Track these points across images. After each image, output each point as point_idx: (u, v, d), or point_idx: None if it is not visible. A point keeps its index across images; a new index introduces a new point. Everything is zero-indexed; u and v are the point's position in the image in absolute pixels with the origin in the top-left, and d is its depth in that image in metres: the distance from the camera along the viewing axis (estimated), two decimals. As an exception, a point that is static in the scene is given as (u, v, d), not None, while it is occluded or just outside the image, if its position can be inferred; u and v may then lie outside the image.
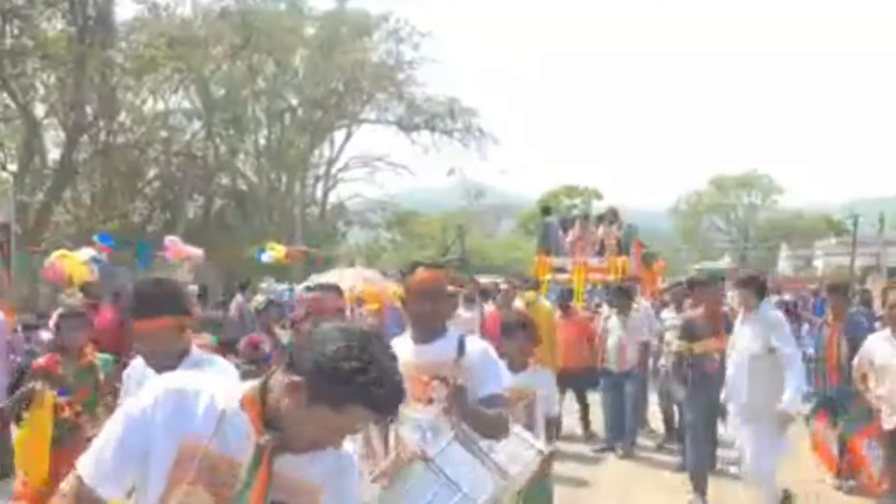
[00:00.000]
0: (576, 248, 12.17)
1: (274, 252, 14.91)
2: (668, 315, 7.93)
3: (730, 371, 5.19)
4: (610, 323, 7.54)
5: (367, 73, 32.04)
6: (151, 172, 28.04)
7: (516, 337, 4.15)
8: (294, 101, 32.16)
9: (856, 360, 5.23)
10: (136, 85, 24.46)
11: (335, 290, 3.97)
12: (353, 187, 36.54)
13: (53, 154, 24.29)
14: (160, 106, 27.40)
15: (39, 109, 23.05)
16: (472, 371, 2.76)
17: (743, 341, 5.08)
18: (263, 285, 16.04)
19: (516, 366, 3.77)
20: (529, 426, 3.59)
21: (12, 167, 23.25)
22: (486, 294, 9.21)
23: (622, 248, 11.71)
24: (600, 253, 11.85)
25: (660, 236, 48.45)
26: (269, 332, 5.89)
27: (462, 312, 7.35)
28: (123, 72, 22.76)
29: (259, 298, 8.74)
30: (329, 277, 8.82)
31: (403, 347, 2.70)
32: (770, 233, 55.80)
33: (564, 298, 8.53)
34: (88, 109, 22.59)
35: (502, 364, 3.02)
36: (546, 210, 14.30)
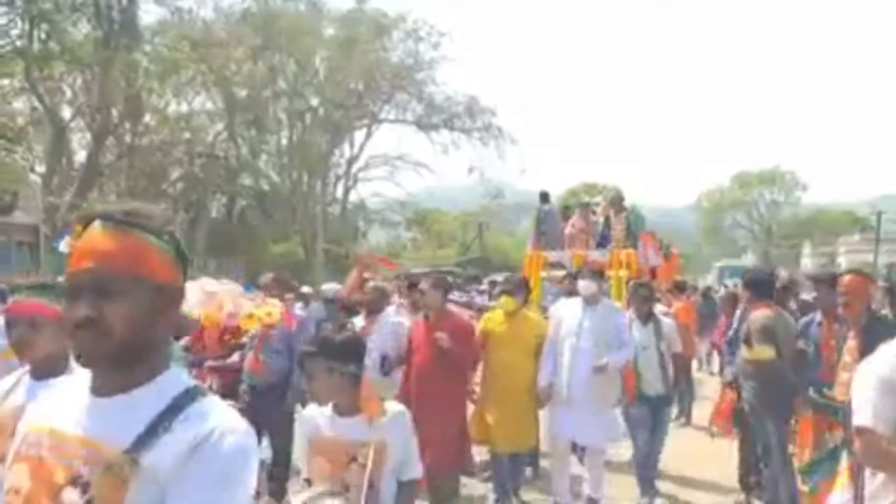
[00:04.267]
0: (576, 240, 10.42)
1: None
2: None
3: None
4: (635, 334, 5.77)
5: (386, 73, 32.21)
6: (175, 173, 28.48)
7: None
8: (315, 102, 32.42)
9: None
10: (160, 87, 24.85)
11: None
12: (373, 186, 36.81)
13: (80, 156, 24.80)
14: (183, 108, 27.84)
15: (66, 112, 23.54)
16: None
17: None
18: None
19: (343, 410, 2.71)
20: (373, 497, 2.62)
21: (40, 169, 23.72)
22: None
23: (629, 239, 10.02)
24: (602, 245, 10.20)
25: (681, 233, 48.22)
26: None
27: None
28: (148, 75, 23.16)
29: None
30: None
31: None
32: (793, 230, 55.29)
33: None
34: (114, 112, 23.03)
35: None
36: (545, 196, 11.85)
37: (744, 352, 5.08)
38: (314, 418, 2.81)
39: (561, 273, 8.68)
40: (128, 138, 24.89)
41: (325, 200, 33.34)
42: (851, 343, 4.41)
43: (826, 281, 5.31)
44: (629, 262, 9.57)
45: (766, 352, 4.87)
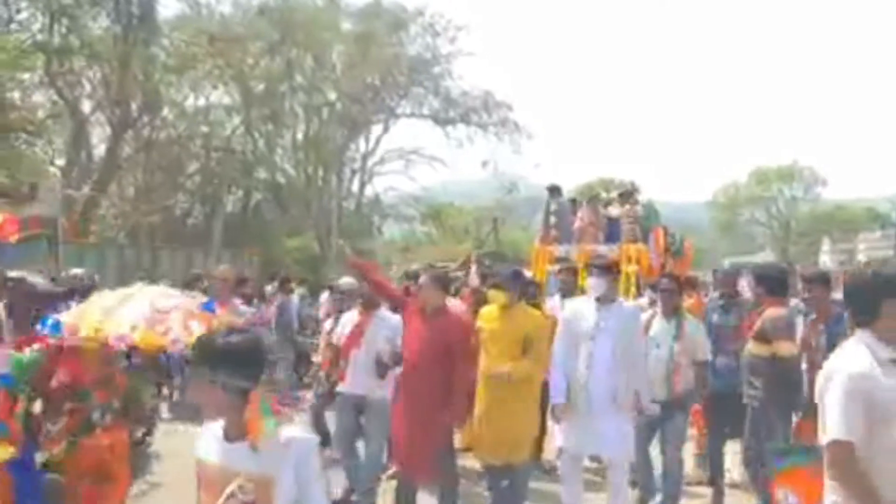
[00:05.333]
0: (584, 234, 10.16)
1: None
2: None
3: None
4: (652, 330, 5.57)
5: (403, 68, 32.26)
6: (192, 166, 28.68)
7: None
8: (331, 96, 32.51)
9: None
10: (178, 81, 25.03)
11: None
12: (388, 180, 36.87)
13: (99, 149, 25.03)
14: (201, 102, 28.01)
15: (86, 106, 23.78)
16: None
17: None
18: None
19: (229, 432, 2.29)
20: None
21: (60, 162, 23.98)
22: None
23: (640, 234, 9.72)
24: (610, 239, 9.86)
25: (697, 229, 47.92)
26: None
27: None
28: (166, 69, 23.32)
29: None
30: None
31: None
32: (812, 226, 54.79)
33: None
34: (133, 105, 23.22)
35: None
36: (556, 190, 11.27)
37: (752, 347, 5.09)
38: (207, 439, 2.36)
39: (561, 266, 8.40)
40: (146, 132, 25.11)
41: (340, 195, 33.46)
42: None
43: (819, 280, 5.40)
44: (639, 258, 9.32)
45: (787, 347, 4.90)
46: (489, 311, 5.16)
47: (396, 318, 5.36)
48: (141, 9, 22.02)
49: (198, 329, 4.30)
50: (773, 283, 5.20)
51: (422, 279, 5.15)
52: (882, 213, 52.89)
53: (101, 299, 4.58)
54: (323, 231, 30.24)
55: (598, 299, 4.91)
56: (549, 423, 5.45)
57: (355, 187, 35.57)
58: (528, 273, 7.59)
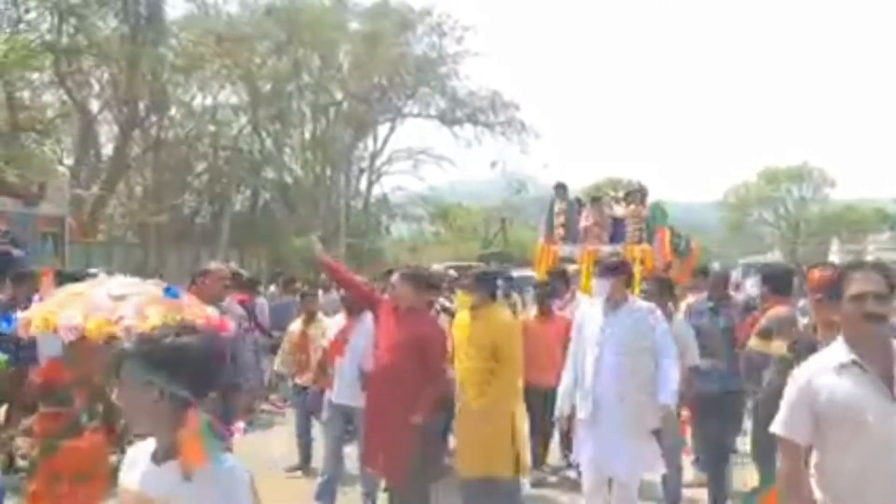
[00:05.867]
0: (588, 234, 10.05)
1: None
2: None
3: None
4: None
5: (410, 68, 32.26)
6: (200, 166, 28.79)
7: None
8: (338, 96, 32.57)
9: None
10: (186, 81, 25.11)
11: None
12: (396, 180, 36.89)
13: (107, 149, 25.14)
14: (208, 101, 28.10)
15: (94, 105, 23.87)
16: None
17: None
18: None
19: (157, 450, 1.93)
20: None
21: (68, 161, 24.08)
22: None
23: (646, 235, 9.61)
24: (615, 240, 9.73)
25: (706, 229, 47.79)
26: None
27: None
28: (174, 68, 23.40)
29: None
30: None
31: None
32: (821, 227, 54.55)
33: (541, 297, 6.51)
34: (141, 105, 23.31)
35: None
36: (562, 188, 11.09)
37: (753, 343, 5.04)
38: (131, 459, 1.99)
39: (572, 267, 8.33)
40: (154, 131, 25.20)
41: (348, 194, 33.51)
42: None
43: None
44: (644, 258, 9.19)
45: (780, 348, 4.83)
46: (461, 317, 4.96)
47: None
48: (149, 9, 22.08)
49: (154, 316, 3.88)
50: (778, 282, 5.18)
51: (394, 276, 4.90)
52: (891, 215, 52.62)
53: (61, 291, 4.30)
54: (330, 230, 30.28)
55: (606, 301, 4.54)
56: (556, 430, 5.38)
57: (363, 187, 35.64)
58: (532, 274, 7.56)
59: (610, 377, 4.40)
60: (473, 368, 4.76)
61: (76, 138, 23.79)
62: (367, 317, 5.17)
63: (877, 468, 2.44)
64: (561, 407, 4.64)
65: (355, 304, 5.31)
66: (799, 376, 2.61)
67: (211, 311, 4.33)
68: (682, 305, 6.51)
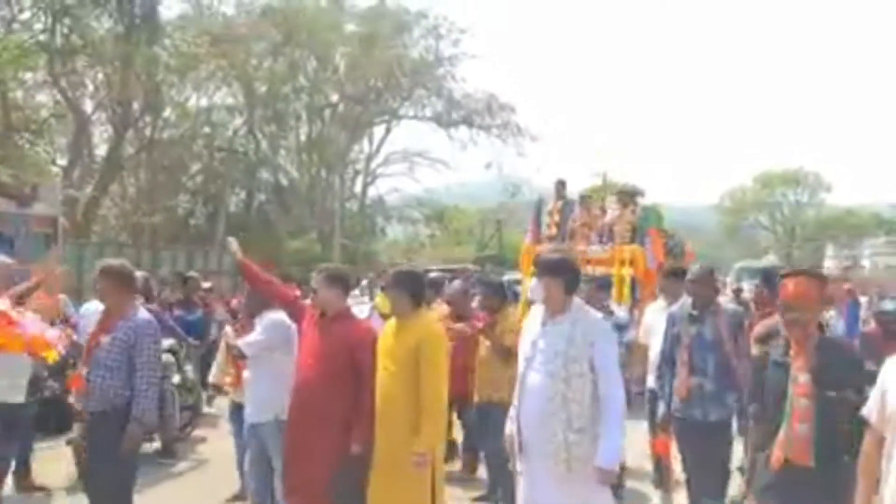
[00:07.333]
0: (576, 235, 9.76)
1: None
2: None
3: None
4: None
5: (406, 70, 32.23)
6: (195, 167, 28.73)
7: None
8: (334, 98, 32.53)
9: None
10: (181, 82, 25.04)
11: None
12: (391, 182, 36.87)
13: (101, 149, 25.06)
14: (203, 102, 28.06)
15: (88, 106, 23.80)
16: None
17: None
18: None
19: None
20: None
21: (62, 161, 24.00)
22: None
23: (636, 236, 9.29)
24: (603, 241, 9.48)
25: (703, 233, 47.84)
26: None
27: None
28: (168, 69, 23.33)
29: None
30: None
31: None
32: (817, 231, 54.70)
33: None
34: (135, 106, 23.23)
35: None
36: (562, 184, 10.83)
37: (755, 349, 4.93)
38: None
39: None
40: (148, 132, 25.13)
41: (343, 196, 33.45)
42: (801, 378, 3.09)
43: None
44: (634, 260, 8.83)
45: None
46: (389, 323, 4.21)
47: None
48: (143, 9, 22.02)
49: None
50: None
51: (315, 278, 4.27)
52: (887, 219, 52.80)
53: None
54: (325, 232, 30.22)
55: (545, 308, 3.66)
56: None
57: (358, 189, 35.58)
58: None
59: (533, 403, 3.51)
60: (387, 383, 3.94)
61: (70, 139, 23.71)
62: (269, 319, 4.62)
63: None
64: (506, 434, 3.77)
65: (258, 310, 4.72)
66: (890, 360, 2.72)
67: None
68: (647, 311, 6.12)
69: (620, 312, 6.16)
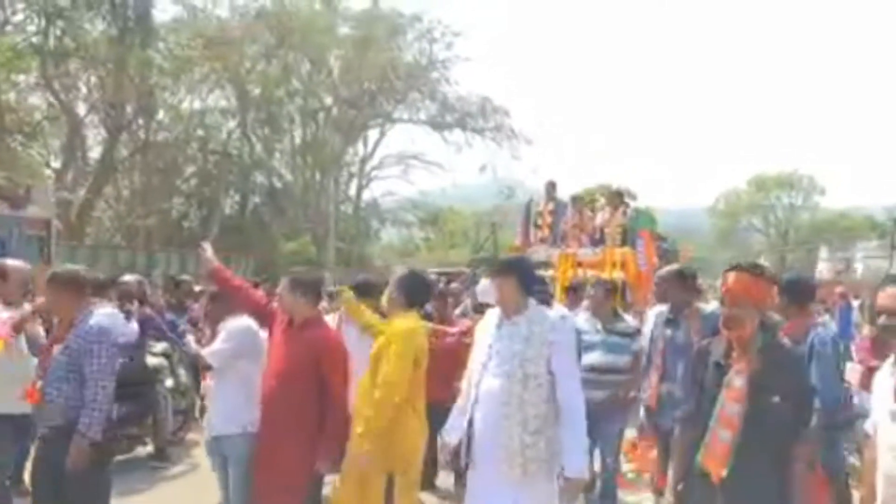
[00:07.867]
0: (567, 237, 9.72)
1: None
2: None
3: None
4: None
5: (400, 73, 32.24)
6: (189, 170, 28.70)
7: None
8: (328, 101, 32.52)
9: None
10: (174, 84, 25.02)
11: None
12: (386, 185, 36.85)
13: (95, 152, 25.03)
14: (197, 105, 28.04)
15: (81, 108, 23.79)
16: None
17: None
18: None
19: None
20: None
21: (55, 164, 23.96)
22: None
23: (627, 239, 9.19)
24: (594, 243, 9.37)
25: (697, 235, 47.87)
26: None
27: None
28: (162, 72, 23.33)
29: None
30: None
31: None
32: (810, 234, 54.85)
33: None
34: (128, 108, 23.23)
35: None
36: (552, 185, 10.78)
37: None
38: None
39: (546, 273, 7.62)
40: (142, 135, 25.11)
41: (337, 199, 33.43)
42: (737, 382, 2.84)
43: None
44: (625, 262, 8.72)
45: None
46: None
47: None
48: (137, 12, 22.04)
49: None
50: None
51: (281, 284, 4.14)
52: (881, 223, 52.94)
53: None
54: (320, 235, 30.20)
55: (502, 309, 3.54)
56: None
57: (353, 191, 35.58)
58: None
59: (488, 408, 3.38)
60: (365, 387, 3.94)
61: (63, 141, 23.67)
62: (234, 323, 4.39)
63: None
64: (444, 442, 3.65)
65: (222, 316, 4.48)
66: (885, 364, 2.72)
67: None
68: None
69: (630, 319, 5.75)
